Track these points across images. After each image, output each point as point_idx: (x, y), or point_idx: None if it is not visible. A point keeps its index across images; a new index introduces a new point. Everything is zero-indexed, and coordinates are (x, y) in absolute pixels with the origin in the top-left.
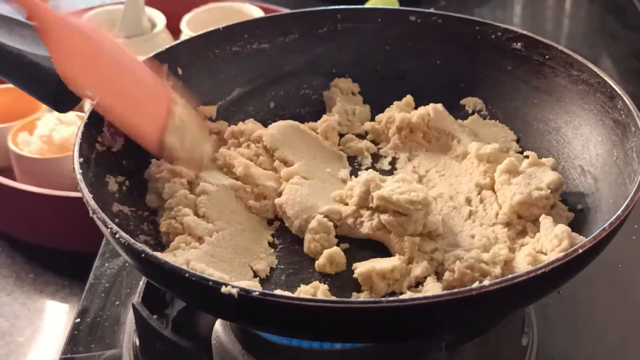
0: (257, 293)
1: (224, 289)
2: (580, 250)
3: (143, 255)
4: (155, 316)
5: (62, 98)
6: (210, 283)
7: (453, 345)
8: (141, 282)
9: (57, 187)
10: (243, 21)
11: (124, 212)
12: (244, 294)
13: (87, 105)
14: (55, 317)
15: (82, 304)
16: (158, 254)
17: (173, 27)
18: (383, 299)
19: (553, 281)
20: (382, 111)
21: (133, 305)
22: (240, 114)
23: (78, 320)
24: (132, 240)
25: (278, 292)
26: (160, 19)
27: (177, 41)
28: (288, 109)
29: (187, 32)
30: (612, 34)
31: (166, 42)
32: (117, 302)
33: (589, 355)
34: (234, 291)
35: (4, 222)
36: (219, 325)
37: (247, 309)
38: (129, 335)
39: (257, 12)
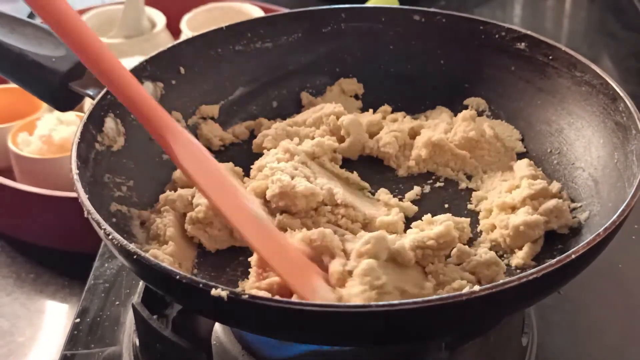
0: (246, 296)
1: (213, 292)
2: (574, 256)
3: (135, 256)
4: (155, 316)
5: (63, 97)
6: (201, 285)
7: (453, 345)
8: (141, 282)
9: (56, 187)
10: (246, 20)
11: (122, 212)
12: (233, 296)
13: (87, 105)
14: (55, 317)
15: (81, 304)
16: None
17: (173, 27)
18: (372, 303)
19: (546, 286)
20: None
21: (133, 305)
22: (242, 113)
23: (78, 320)
24: (125, 242)
25: (264, 294)
26: (160, 19)
27: (180, 40)
28: (291, 108)
29: (187, 32)
30: (612, 34)
31: (166, 42)
32: (117, 302)
33: (589, 355)
34: (224, 294)
35: (3, 222)
36: (218, 326)
37: (237, 311)
38: (128, 335)
39: (257, 12)
